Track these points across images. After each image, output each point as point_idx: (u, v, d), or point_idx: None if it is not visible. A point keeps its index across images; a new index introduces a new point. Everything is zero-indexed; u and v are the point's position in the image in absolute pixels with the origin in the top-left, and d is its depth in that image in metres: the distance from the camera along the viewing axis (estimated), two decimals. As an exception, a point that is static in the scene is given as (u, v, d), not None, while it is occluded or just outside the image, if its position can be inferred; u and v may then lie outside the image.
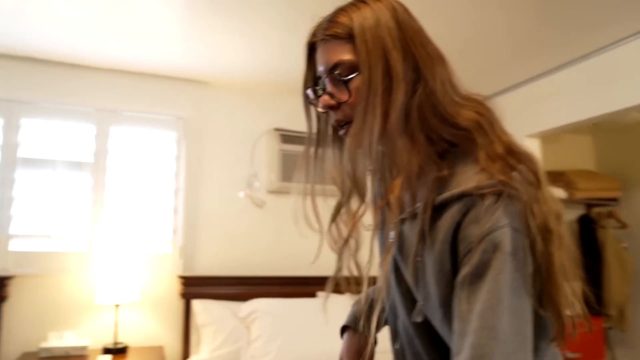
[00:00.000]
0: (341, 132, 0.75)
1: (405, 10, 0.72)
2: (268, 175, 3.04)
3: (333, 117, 0.75)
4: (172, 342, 2.73)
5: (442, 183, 0.70)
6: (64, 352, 2.34)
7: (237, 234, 2.95)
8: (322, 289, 2.79)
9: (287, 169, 3.00)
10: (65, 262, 2.58)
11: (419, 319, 0.73)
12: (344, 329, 1.06)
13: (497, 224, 0.63)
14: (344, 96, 0.70)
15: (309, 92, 0.77)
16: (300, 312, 2.65)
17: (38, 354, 2.31)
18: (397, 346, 0.87)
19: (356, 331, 1.01)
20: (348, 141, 0.71)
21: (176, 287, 2.78)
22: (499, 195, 0.64)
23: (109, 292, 2.45)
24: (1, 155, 2.54)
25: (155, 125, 2.86)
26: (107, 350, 2.45)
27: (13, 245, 2.52)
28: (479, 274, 0.63)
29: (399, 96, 0.67)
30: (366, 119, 0.67)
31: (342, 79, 0.70)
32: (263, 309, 2.63)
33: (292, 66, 2.62)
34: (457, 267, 0.67)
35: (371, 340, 0.96)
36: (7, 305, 2.48)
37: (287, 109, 3.03)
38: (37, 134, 2.62)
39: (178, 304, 2.77)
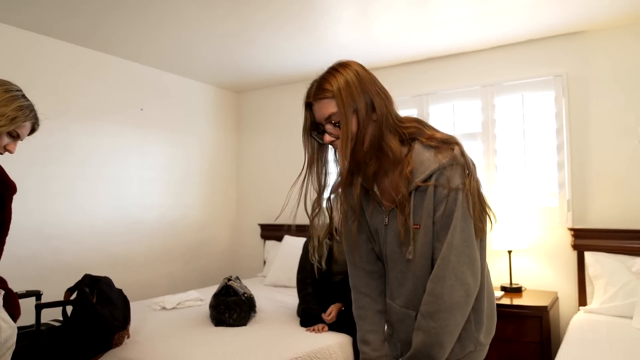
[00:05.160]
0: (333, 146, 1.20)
1: (364, 69, 1.14)
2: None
3: (328, 140, 1.15)
4: (566, 290, 2.86)
5: (413, 172, 1.13)
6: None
7: (632, 185, 2.72)
8: None
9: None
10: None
11: (410, 256, 1.15)
12: None
13: (456, 183, 1.09)
14: (337, 133, 1.13)
15: (313, 133, 1.20)
16: None
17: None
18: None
19: None
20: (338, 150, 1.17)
21: (567, 238, 2.88)
22: (452, 165, 1.10)
23: (503, 239, 2.88)
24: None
25: (533, 89, 3.04)
26: (503, 288, 2.89)
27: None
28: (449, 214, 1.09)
29: (365, 125, 1.12)
30: (346, 142, 1.11)
31: (334, 123, 1.12)
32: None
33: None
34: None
35: None
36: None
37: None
38: (439, 116, 3.37)
39: (570, 254, 2.86)
